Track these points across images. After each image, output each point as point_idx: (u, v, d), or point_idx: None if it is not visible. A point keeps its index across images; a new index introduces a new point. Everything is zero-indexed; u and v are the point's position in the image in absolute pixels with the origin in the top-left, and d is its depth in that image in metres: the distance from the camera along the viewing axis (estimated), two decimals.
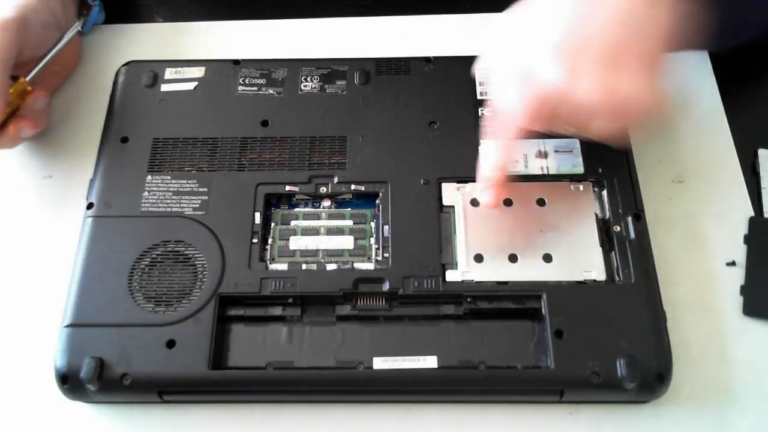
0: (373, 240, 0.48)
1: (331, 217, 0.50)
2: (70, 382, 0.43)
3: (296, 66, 0.55)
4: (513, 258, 0.47)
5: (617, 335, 0.43)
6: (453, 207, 0.49)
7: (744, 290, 0.49)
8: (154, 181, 0.50)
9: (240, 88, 0.54)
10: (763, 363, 0.47)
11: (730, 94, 0.58)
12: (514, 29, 0.45)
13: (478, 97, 0.53)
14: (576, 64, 0.41)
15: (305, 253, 0.48)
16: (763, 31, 0.52)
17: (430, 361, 0.44)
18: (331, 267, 0.47)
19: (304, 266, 0.47)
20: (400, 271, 0.46)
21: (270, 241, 0.48)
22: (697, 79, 0.59)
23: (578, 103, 0.42)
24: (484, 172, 0.47)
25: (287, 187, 0.50)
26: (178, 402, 0.45)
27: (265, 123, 0.52)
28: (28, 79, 0.52)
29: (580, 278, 0.46)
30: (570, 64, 0.41)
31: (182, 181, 0.50)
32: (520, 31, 0.45)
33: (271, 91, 0.54)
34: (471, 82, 0.54)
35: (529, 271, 0.46)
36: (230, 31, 0.63)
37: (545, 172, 0.50)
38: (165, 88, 0.54)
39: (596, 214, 0.48)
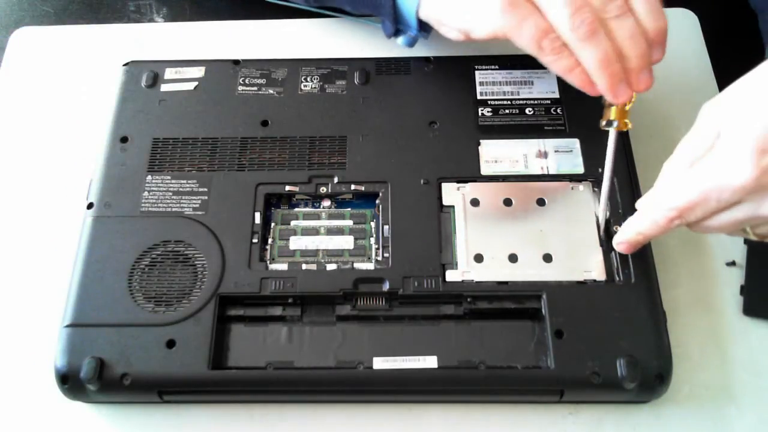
0: (373, 240, 0.48)
1: (331, 217, 0.50)
2: (70, 382, 0.43)
3: (296, 66, 0.55)
4: (513, 258, 0.47)
5: (617, 335, 0.43)
6: (453, 207, 0.49)
7: (744, 290, 0.49)
8: (154, 181, 0.50)
9: (240, 88, 0.54)
10: (762, 363, 0.47)
11: None
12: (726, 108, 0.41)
13: (478, 97, 0.53)
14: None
15: (305, 253, 0.48)
16: None
17: (430, 361, 0.44)
18: (331, 267, 0.47)
19: (304, 266, 0.47)
20: (400, 271, 0.46)
21: (270, 241, 0.48)
22: (699, 82, 0.59)
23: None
24: (624, 234, 0.45)
25: (287, 187, 0.50)
26: (178, 402, 0.45)
27: (265, 123, 0.52)
28: None
29: (580, 278, 0.46)
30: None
31: (182, 181, 0.50)
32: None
33: (271, 91, 0.54)
34: (471, 82, 0.54)
35: (529, 271, 0.46)
36: (230, 31, 0.63)
37: (545, 172, 0.50)
38: (165, 88, 0.54)
39: (596, 214, 0.48)
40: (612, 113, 0.45)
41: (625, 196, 0.48)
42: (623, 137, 0.51)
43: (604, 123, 0.46)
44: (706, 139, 0.41)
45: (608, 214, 0.48)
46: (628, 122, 0.45)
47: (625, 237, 0.45)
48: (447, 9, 0.49)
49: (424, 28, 0.53)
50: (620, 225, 0.47)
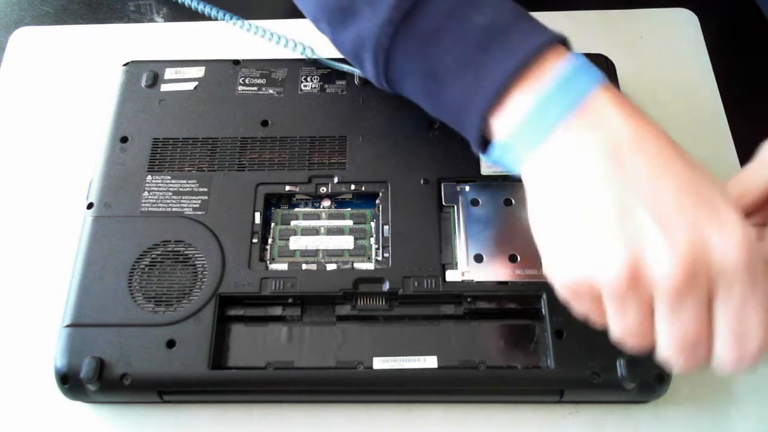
0: (373, 240, 0.48)
1: (331, 217, 0.50)
2: (70, 382, 0.43)
3: (296, 66, 0.55)
4: (513, 258, 0.47)
5: None
6: (453, 207, 0.49)
7: None
8: (154, 181, 0.50)
9: (240, 88, 0.54)
10: (763, 363, 0.47)
11: (731, 97, 0.58)
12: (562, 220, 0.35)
13: None
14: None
15: (305, 253, 0.48)
16: None
17: (430, 361, 0.44)
18: (331, 267, 0.47)
19: (304, 266, 0.47)
20: (400, 271, 0.46)
21: (270, 241, 0.48)
22: (699, 82, 0.59)
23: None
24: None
25: (287, 187, 0.50)
26: (178, 402, 0.45)
27: (265, 123, 0.52)
28: None
29: None
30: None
31: (182, 181, 0.50)
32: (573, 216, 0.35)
33: (271, 91, 0.54)
34: None
35: (529, 271, 0.46)
36: (230, 31, 0.63)
37: None
38: (165, 88, 0.54)
39: None
40: None
41: None
42: None
43: None
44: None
45: None
46: None
47: None
48: (538, 230, 0.38)
49: None
50: None
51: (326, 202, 0.51)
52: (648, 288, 0.33)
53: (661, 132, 0.36)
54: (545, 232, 0.37)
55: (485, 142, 0.40)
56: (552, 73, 0.37)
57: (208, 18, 0.56)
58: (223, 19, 0.56)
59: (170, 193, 0.49)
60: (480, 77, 0.38)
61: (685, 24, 0.62)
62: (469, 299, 0.45)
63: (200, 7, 0.56)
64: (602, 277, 0.34)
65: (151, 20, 0.66)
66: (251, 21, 0.59)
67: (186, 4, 0.57)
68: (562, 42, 0.39)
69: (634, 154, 0.35)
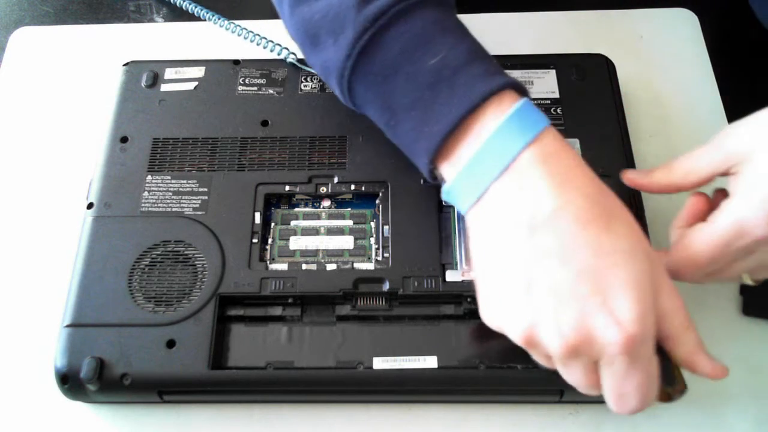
0: (373, 240, 0.48)
1: (331, 217, 0.50)
2: (70, 382, 0.43)
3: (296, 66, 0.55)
4: None
5: None
6: (453, 207, 0.49)
7: (743, 290, 0.49)
8: (154, 181, 0.50)
9: (240, 88, 0.54)
10: (762, 362, 0.47)
11: (731, 97, 0.58)
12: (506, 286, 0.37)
13: None
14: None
15: (305, 253, 0.48)
16: None
17: (430, 361, 0.44)
18: (331, 267, 0.47)
19: (304, 266, 0.47)
20: (400, 271, 0.46)
21: (270, 241, 0.48)
22: (699, 82, 0.59)
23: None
24: None
25: (287, 187, 0.50)
26: (178, 402, 0.45)
27: (265, 123, 0.52)
28: None
29: None
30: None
31: (182, 181, 0.50)
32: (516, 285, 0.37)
33: (271, 91, 0.54)
34: None
35: None
36: (230, 31, 0.63)
37: None
38: (165, 88, 0.54)
39: None
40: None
41: (624, 196, 0.48)
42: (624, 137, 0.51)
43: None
44: (722, 163, 0.40)
45: None
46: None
47: None
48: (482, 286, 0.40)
49: None
50: None
51: (326, 202, 0.51)
52: (544, 348, 0.37)
53: (586, 196, 0.37)
54: (476, 277, 0.40)
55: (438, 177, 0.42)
56: (488, 126, 0.38)
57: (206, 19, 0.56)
58: (211, 20, 0.56)
59: (170, 193, 0.49)
60: (427, 121, 0.39)
61: (685, 24, 0.62)
62: (469, 299, 0.45)
63: (203, 14, 0.56)
64: (508, 333, 0.38)
65: (151, 20, 0.66)
66: (246, 23, 0.59)
67: (178, 4, 0.57)
68: (513, 86, 0.39)
69: (547, 228, 0.36)
